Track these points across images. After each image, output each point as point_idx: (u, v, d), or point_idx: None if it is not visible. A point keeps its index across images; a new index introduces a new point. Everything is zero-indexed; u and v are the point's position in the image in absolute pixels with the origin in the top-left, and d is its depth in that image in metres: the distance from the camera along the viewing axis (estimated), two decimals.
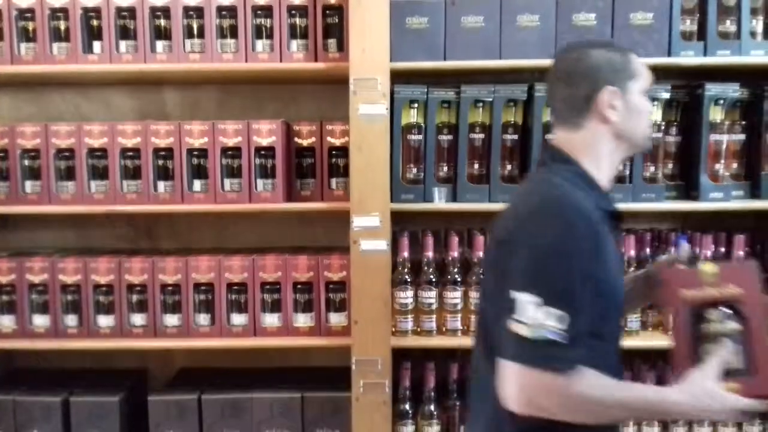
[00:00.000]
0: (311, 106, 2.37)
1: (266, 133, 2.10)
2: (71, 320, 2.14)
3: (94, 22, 2.12)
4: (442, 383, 2.14)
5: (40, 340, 2.14)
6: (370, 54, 1.98)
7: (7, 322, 2.14)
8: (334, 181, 2.17)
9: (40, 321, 2.14)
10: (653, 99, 2.05)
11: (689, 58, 2.04)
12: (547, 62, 1.99)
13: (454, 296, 2.07)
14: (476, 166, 2.09)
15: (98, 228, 2.42)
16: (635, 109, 1.30)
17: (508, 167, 2.09)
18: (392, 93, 2.03)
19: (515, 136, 2.09)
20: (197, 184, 2.13)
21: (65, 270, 2.12)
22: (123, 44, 2.11)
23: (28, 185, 2.14)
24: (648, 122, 1.36)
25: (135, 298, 2.13)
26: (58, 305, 2.13)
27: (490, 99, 2.06)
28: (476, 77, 2.12)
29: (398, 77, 2.04)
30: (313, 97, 2.37)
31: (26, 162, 2.13)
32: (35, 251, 2.30)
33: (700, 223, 2.23)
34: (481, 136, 2.08)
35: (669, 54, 2.04)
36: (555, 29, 2.04)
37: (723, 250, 2.12)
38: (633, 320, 2.07)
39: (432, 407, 2.08)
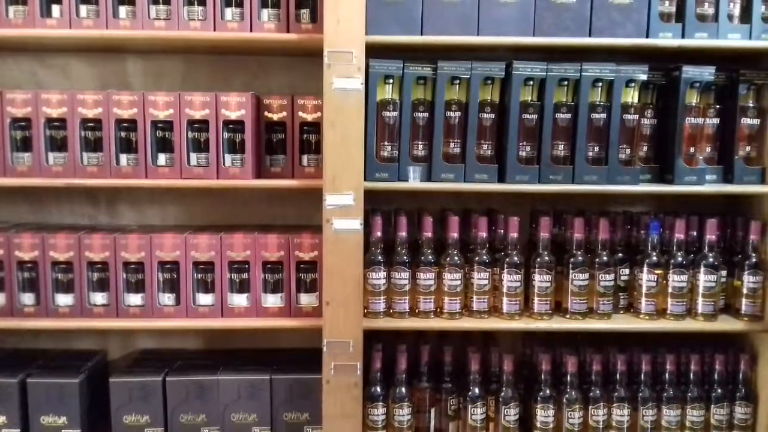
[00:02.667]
0: (281, 79, 2.29)
1: (235, 106, 2.02)
2: (28, 298, 2.04)
3: None
4: (413, 365, 2.11)
5: None
6: (345, 26, 1.91)
7: None
8: (305, 157, 2.10)
9: None
10: (630, 81, 2.03)
11: (667, 39, 2.02)
12: (525, 40, 1.99)
13: (428, 277, 2.03)
14: (452, 145, 2.05)
15: (56, 202, 2.31)
16: None
17: (484, 146, 2.05)
18: (367, 67, 1.96)
19: (492, 115, 2.04)
20: (162, 158, 2.04)
21: (21, 246, 2.02)
22: (84, 8, 2.00)
23: None
24: None
25: (95, 276, 2.04)
26: (14, 283, 2.03)
27: (467, 76, 2.01)
28: (453, 53, 2.07)
29: (373, 51, 1.97)
30: (284, 70, 2.30)
31: None
32: None
33: (672, 206, 2.24)
34: (458, 114, 2.04)
35: (647, 35, 2.02)
36: (534, 6, 1.99)
37: (695, 233, 2.13)
38: (605, 303, 2.07)
39: (403, 390, 2.05)
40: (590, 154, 2.04)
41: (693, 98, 2.08)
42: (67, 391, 2.05)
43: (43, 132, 2.01)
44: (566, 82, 2.02)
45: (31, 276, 2.04)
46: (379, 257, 2.03)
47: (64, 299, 2.04)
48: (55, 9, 2.01)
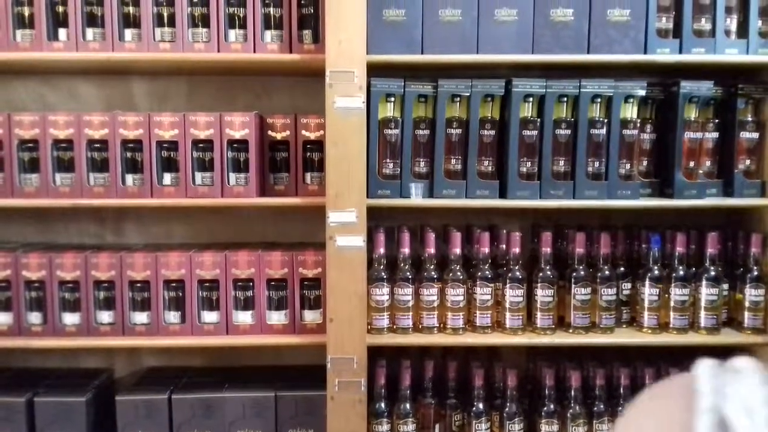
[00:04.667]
0: (284, 99, 2.32)
1: (239, 125, 2.05)
2: (35, 318, 2.06)
3: (60, 8, 2.04)
4: (417, 381, 2.12)
5: (2, 338, 2.06)
6: (346, 46, 1.94)
7: None
8: (308, 175, 2.13)
9: (2, 318, 2.05)
10: (629, 96, 2.06)
11: (665, 55, 2.04)
12: (524, 57, 2.02)
13: (431, 293, 2.05)
14: (453, 161, 2.07)
15: (62, 222, 2.34)
16: None
17: (485, 163, 2.07)
18: (368, 86, 1.99)
19: (492, 132, 2.07)
20: (167, 178, 2.07)
21: (29, 265, 2.05)
22: (90, 32, 2.03)
23: None
24: None
25: (102, 294, 2.06)
26: (21, 302, 2.05)
27: (468, 93, 2.04)
28: (453, 71, 2.10)
29: (374, 70, 2.00)
30: (287, 90, 2.33)
31: None
32: None
33: (673, 220, 2.25)
34: (459, 131, 2.06)
35: (645, 51, 2.04)
36: (533, 24, 2.02)
37: (696, 247, 2.14)
38: (607, 317, 2.08)
39: (408, 406, 2.06)
40: (590, 169, 2.06)
41: (692, 113, 2.10)
42: (74, 410, 2.06)
43: (51, 153, 2.04)
44: (565, 99, 2.05)
45: (38, 295, 2.06)
46: (383, 273, 2.04)
47: (71, 318, 2.06)
48: (62, 32, 2.04)
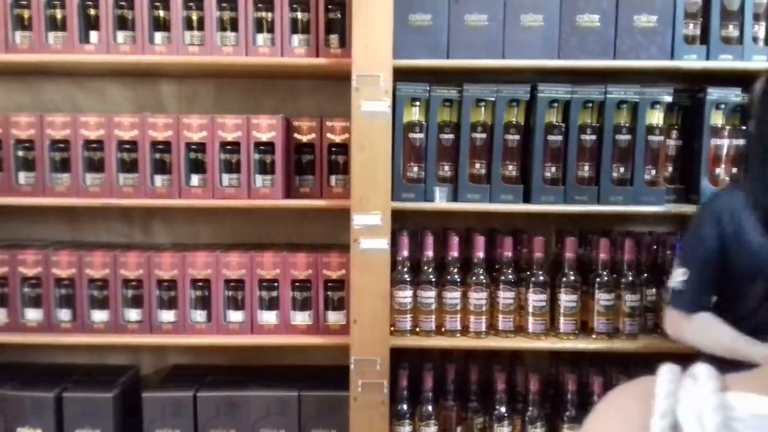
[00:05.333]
0: (309, 102, 2.35)
1: (266, 128, 2.07)
2: (65, 314, 2.10)
3: (92, 11, 2.08)
4: (440, 384, 2.13)
5: (32, 335, 2.10)
6: (373, 50, 1.96)
7: None
8: (333, 178, 2.15)
9: (33, 315, 2.10)
10: (655, 102, 2.05)
11: (692, 61, 2.04)
12: (550, 63, 2.03)
13: (454, 296, 2.06)
14: (477, 165, 2.08)
15: (91, 221, 2.38)
16: None
17: (509, 167, 2.08)
18: (394, 90, 2.01)
19: (517, 137, 2.08)
20: (195, 179, 2.10)
21: (59, 263, 2.09)
22: (120, 35, 2.07)
23: (22, 176, 2.10)
24: None
25: (130, 293, 2.10)
26: (51, 299, 2.09)
27: (493, 98, 2.05)
28: (478, 76, 2.11)
29: (400, 74, 2.02)
30: (312, 93, 2.35)
31: (20, 153, 2.09)
32: (28, 244, 2.25)
33: None
34: (483, 135, 2.07)
35: (672, 57, 2.04)
36: (558, 30, 2.03)
37: None
38: (631, 323, 2.07)
39: (430, 408, 2.07)
40: (615, 174, 2.06)
41: (718, 119, 2.09)
42: (102, 406, 2.10)
43: (81, 153, 2.08)
44: (591, 104, 2.05)
45: (68, 293, 2.10)
46: (406, 276, 2.06)
47: (99, 315, 2.10)
48: (93, 35, 2.08)
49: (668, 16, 2.03)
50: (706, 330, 1.68)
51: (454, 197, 2.07)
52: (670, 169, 2.13)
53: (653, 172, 2.09)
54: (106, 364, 2.35)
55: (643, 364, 2.15)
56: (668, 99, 2.06)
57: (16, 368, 2.31)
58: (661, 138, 2.08)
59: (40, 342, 2.12)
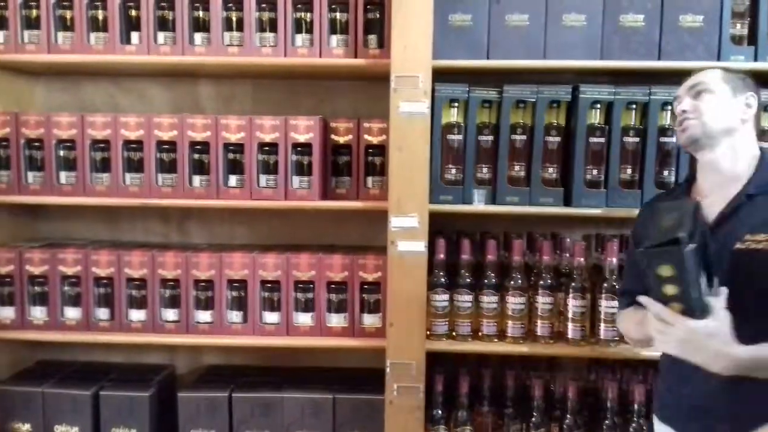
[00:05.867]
0: (346, 103, 2.34)
1: (303, 129, 2.07)
2: (103, 313, 2.12)
3: (133, 13, 2.10)
4: (475, 389, 2.10)
5: (71, 333, 2.13)
6: (412, 51, 1.94)
7: (38, 313, 2.13)
8: (370, 179, 2.13)
9: (72, 313, 2.12)
10: None
11: (739, 62, 1.98)
12: (592, 63, 1.99)
13: (491, 301, 2.03)
14: (516, 168, 2.05)
15: (130, 220, 2.40)
16: None
17: (550, 170, 2.04)
18: (432, 91, 1.99)
19: (557, 138, 2.04)
20: (233, 180, 2.10)
21: (98, 262, 2.11)
22: (161, 35, 2.08)
23: (63, 176, 2.12)
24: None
25: (167, 293, 2.11)
26: (90, 298, 2.11)
27: (533, 99, 2.02)
28: (518, 77, 2.08)
29: (438, 75, 2.00)
30: (349, 94, 2.34)
31: (61, 152, 2.12)
32: (67, 242, 2.28)
33: None
34: (523, 137, 2.04)
35: (718, 58, 1.98)
36: (602, 30, 1.99)
37: None
38: None
39: (465, 413, 2.04)
40: (659, 178, 2.01)
41: (766, 122, 2.03)
42: (138, 404, 2.12)
43: (121, 153, 2.09)
44: (634, 106, 2.01)
45: (106, 292, 2.12)
46: (443, 280, 2.03)
47: (137, 315, 2.12)
48: (134, 36, 2.10)
49: (715, 15, 1.98)
50: (620, 322, 1.72)
51: (493, 200, 2.04)
52: None
53: None
54: (142, 363, 2.36)
55: None
56: None
57: (53, 366, 2.34)
58: None
59: (79, 340, 2.15)
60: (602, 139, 2.00)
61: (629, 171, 2.02)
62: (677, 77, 2.03)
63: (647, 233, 1.41)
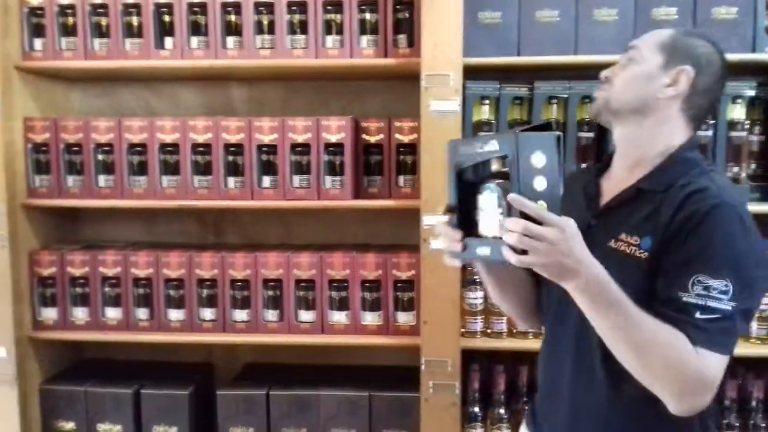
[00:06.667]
0: (376, 103, 2.35)
1: (335, 129, 2.09)
2: (142, 313, 2.17)
3: (166, 18, 2.13)
4: (511, 386, 2.10)
5: (112, 333, 2.18)
6: (442, 49, 1.95)
7: (80, 314, 2.18)
8: (401, 178, 2.14)
9: (113, 314, 2.17)
10: (737, 97, 1.97)
11: None
12: None
13: None
14: None
15: (166, 222, 2.44)
16: None
17: (583, 166, 2.03)
18: (463, 89, 1.99)
19: (591, 134, 2.03)
20: (266, 180, 2.13)
21: (137, 264, 2.15)
22: (194, 40, 2.11)
23: (102, 179, 2.17)
24: None
25: (205, 292, 2.14)
26: (130, 298, 2.16)
27: (566, 95, 2.01)
28: (550, 73, 2.07)
29: (469, 73, 2.00)
30: (379, 94, 2.35)
31: (100, 156, 2.16)
32: (106, 244, 2.33)
33: None
34: None
35: (753, 50, 1.96)
36: (634, 24, 1.98)
37: None
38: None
39: (502, 410, 2.04)
40: None
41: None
42: (178, 402, 2.16)
43: (158, 156, 2.13)
44: None
45: (145, 292, 2.16)
46: (476, 277, 2.03)
47: (175, 314, 2.15)
48: (168, 41, 2.13)
49: (749, 7, 1.96)
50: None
51: None
52: (753, 165, 2.04)
53: (735, 169, 2.00)
54: (180, 361, 2.40)
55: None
56: (751, 93, 1.97)
57: (94, 365, 2.40)
58: (744, 133, 1.99)
59: (120, 340, 2.19)
60: None
61: None
62: None
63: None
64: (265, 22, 2.10)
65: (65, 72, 2.29)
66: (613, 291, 1.11)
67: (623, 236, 1.22)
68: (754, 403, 2.02)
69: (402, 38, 2.09)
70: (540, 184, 1.10)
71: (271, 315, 2.13)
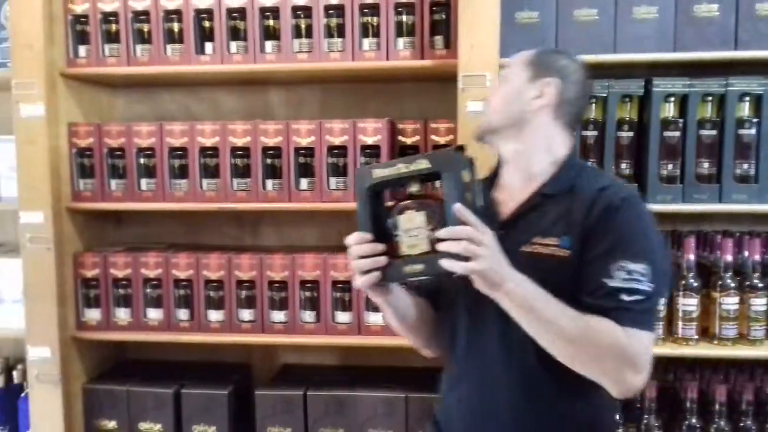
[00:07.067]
0: (412, 104, 2.35)
1: (372, 131, 2.10)
2: (183, 314, 2.20)
3: (206, 24, 2.17)
4: None
5: (153, 333, 2.21)
6: (479, 50, 1.94)
7: (122, 315, 2.23)
8: None
9: (154, 314, 2.21)
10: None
11: None
12: (665, 56, 1.94)
13: None
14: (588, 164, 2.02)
15: (206, 224, 2.48)
16: None
17: (622, 165, 2.01)
18: None
19: (630, 133, 2.00)
20: (304, 183, 2.14)
21: (178, 265, 2.18)
22: (234, 45, 2.15)
23: (143, 183, 2.21)
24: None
25: (243, 293, 2.17)
26: (171, 299, 2.19)
27: (604, 94, 1.99)
28: (588, 72, 2.04)
29: None
30: (415, 95, 2.35)
31: (142, 160, 2.21)
32: (148, 246, 2.37)
33: None
34: (594, 133, 2.01)
35: None
36: (674, 21, 1.95)
37: None
38: (756, 328, 1.96)
39: None
40: (738, 171, 1.95)
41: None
42: (217, 402, 2.18)
43: (198, 160, 2.16)
44: (710, 98, 1.96)
45: (186, 293, 2.19)
46: None
47: (215, 315, 2.18)
48: (208, 46, 2.17)
49: None
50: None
51: None
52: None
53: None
54: (219, 361, 2.44)
55: None
56: None
57: (136, 365, 2.44)
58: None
59: (161, 340, 2.22)
60: (677, 133, 1.96)
61: (706, 165, 1.96)
62: (755, 67, 1.99)
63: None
64: (303, 26, 2.12)
65: (108, 78, 2.34)
66: (539, 291, 1.20)
67: (537, 239, 1.30)
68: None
69: (438, 39, 2.09)
70: (469, 198, 1.19)
71: (309, 316, 2.15)
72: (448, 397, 1.48)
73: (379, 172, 1.28)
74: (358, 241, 1.29)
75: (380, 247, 1.26)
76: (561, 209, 1.30)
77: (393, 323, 1.46)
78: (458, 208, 1.16)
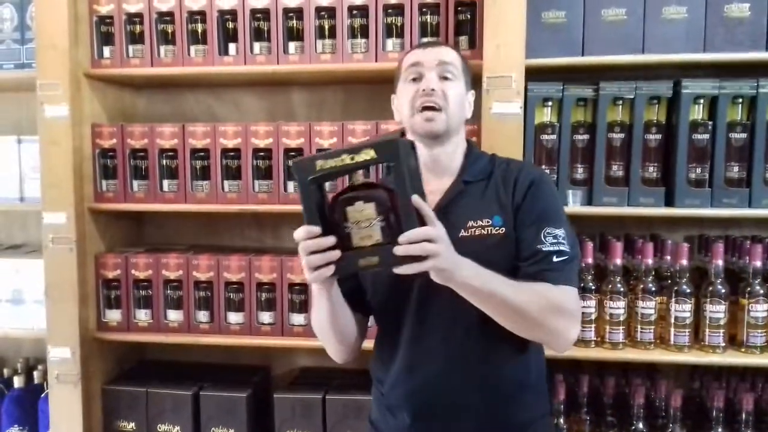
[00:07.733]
0: None
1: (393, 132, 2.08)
2: (203, 316, 2.19)
3: (230, 25, 2.16)
4: (572, 396, 2.04)
5: (173, 335, 2.20)
6: (504, 51, 1.92)
7: (143, 316, 2.22)
8: None
9: (174, 316, 2.20)
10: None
11: None
12: (695, 57, 1.91)
13: (588, 305, 1.97)
14: (614, 167, 1.99)
15: (227, 226, 2.47)
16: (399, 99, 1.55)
17: (650, 169, 1.97)
18: (525, 91, 1.96)
19: (658, 136, 1.97)
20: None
21: (198, 267, 2.18)
22: (257, 46, 2.14)
23: (166, 184, 2.21)
24: (408, 105, 1.49)
25: (263, 296, 2.15)
26: (191, 301, 2.19)
27: (632, 96, 1.95)
28: (614, 73, 2.02)
29: (530, 74, 1.96)
30: None
31: (164, 161, 2.20)
32: (169, 247, 2.37)
33: None
34: (621, 135, 1.97)
35: None
36: (704, 21, 1.91)
37: None
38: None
39: (561, 421, 1.97)
40: None
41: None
42: (236, 404, 2.17)
43: (220, 161, 2.16)
44: (741, 100, 1.91)
45: (206, 295, 2.19)
46: None
47: (235, 317, 2.17)
48: (232, 47, 2.16)
49: None
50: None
51: (589, 201, 1.99)
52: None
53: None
54: (238, 364, 2.42)
55: None
56: None
57: (155, 366, 2.44)
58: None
59: (181, 341, 2.22)
60: (706, 136, 1.92)
61: (736, 169, 1.92)
62: None
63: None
64: (326, 27, 2.11)
65: (132, 79, 2.35)
66: (488, 272, 1.28)
67: (471, 223, 1.41)
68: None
69: (463, 40, 2.07)
70: (418, 186, 1.21)
71: None
72: (396, 389, 1.54)
73: (323, 164, 1.25)
74: (307, 236, 1.28)
75: (331, 240, 1.25)
76: (487, 192, 1.44)
77: (324, 321, 1.48)
78: (416, 200, 1.19)
